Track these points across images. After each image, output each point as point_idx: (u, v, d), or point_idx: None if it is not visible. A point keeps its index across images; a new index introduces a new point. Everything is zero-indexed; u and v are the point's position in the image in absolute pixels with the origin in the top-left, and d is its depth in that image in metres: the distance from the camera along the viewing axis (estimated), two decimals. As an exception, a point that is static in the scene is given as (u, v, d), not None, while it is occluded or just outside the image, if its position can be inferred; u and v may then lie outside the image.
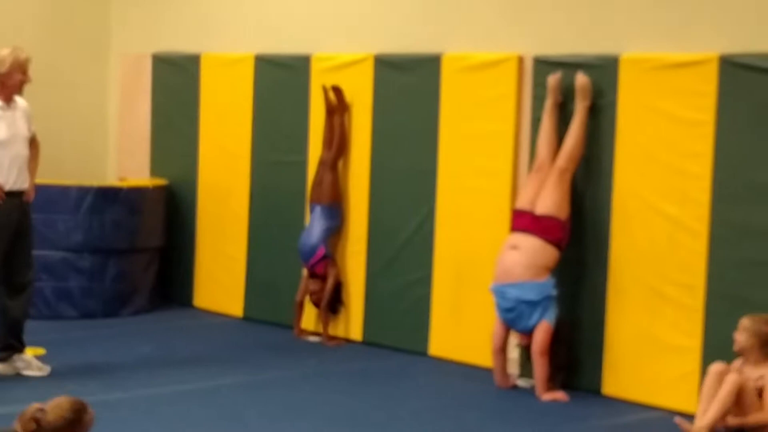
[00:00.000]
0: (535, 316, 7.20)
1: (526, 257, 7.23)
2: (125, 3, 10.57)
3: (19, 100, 7.24)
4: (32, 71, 7.24)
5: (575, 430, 6.60)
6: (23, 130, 7.22)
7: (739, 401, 6.25)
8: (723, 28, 6.84)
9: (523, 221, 7.33)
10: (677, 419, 6.19)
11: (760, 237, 6.66)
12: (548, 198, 7.28)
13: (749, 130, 6.69)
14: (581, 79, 7.25)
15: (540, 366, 7.18)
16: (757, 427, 6.25)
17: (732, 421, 6.23)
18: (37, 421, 4.53)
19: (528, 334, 7.25)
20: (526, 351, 7.43)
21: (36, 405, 4.61)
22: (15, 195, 7.15)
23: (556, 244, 7.27)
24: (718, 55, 6.78)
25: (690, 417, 6.62)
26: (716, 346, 6.74)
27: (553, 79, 7.43)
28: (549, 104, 7.46)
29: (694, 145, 6.88)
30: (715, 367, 6.37)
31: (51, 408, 4.63)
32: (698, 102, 6.86)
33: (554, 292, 7.24)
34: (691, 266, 6.92)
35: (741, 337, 6.38)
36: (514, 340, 7.50)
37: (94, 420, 4.73)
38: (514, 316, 7.26)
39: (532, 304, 7.19)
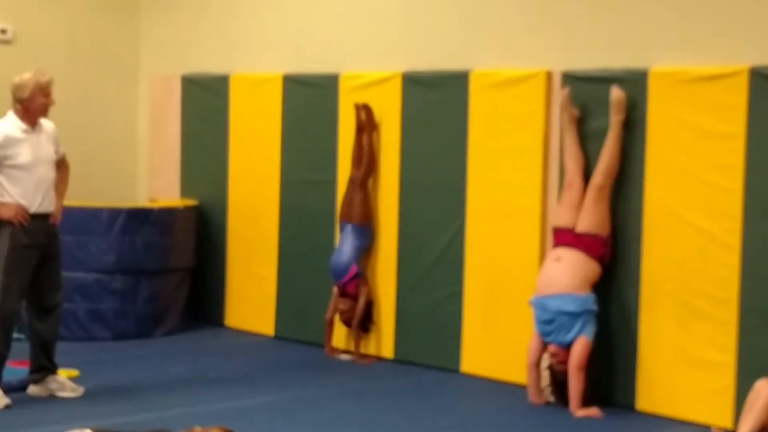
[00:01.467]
0: (574, 329, 7.14)
1: (570, 268, 7.23)
2: (154, 25, 10.61)
3: (45, 123, 7.24)
4: (55, 93, 7.23)
5: (610, 446, 6.55)
6: (49, 153, 7.21)
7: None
8: (753, 39, 6.80)
9: (565, 238, 7.32)
10: (713, 430, 6.07)
11: (793, 250, 6.61)
12: (588, 216, 7.27)
13: (781, 142, 6.65)
14: (616, 93, 7.19)
15: (576, 382, 7.12)
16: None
17: None
18: None
19: (565, 348, 7.18)
20: (553, 375, 7.37)
21: (198, 429, 4.99)
22: (41, 217, 7.14)
23: (599, 259, 7.26)
24: (748, 67, 6.73)
25: (726, 432, 6.59)
26: (751, 361, 6.70)
27: (562, 94, 7.42)
28: (566, 120, 7.44)
29: (726, 158, 6.83)
30: (760, 383, 6.30)
31: None
32: (729, 115, 6.80)
33: (595, 308, 7.19)
34: (725, 280, 6.85)
35: None
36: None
37: None
38: (552, 329, 7.20)
39: (572, 316, 7.14)
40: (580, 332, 7.16)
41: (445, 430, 6.82)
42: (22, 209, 7.03)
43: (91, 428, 5.01)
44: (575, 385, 7.13)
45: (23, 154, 7.05)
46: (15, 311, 7.18)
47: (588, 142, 7.44)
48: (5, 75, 7.48)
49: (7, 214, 7.00)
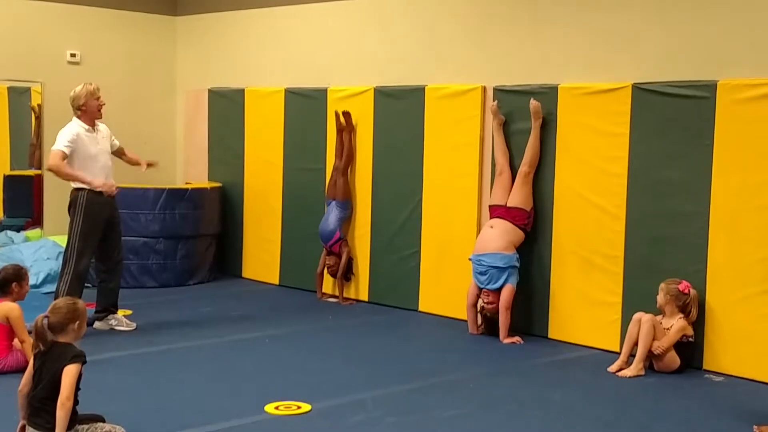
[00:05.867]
0: (502, 279, 7.18)
1: (500, 234, 7.25)
2: (187, 51, 10.55)
3: (101, 126, 7.21)
4: (113, 104, 7.21)
5: (529, 364, 6.59)
6: (107, 147, 7.20)
7: (655, 338, 6.29)
8: (634, 63, 6.85)
9: (498, 212, 7.34)
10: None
11: (663, 219, 6.67)
12: (516, 195, 7.30)
13: (655, 140, 6.69)
14: (533, 103, 7.22)
15: (504, 317, 7.17)
16: (661, 353, 6.28)
17: (654, 345, 6.26)
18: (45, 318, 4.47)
19: (495, 292, 7.23)
20: (483, 316, 7.39)
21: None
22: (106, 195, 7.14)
23: (523, 227, 7.28)
24: (631, 83, 6.77)
25: (614, 353, 6.65)
26: (633, 301, 6.77)
27: (492, 106, 7.45)
28: (495, 124, 7.46)
29: (614, 151, 6.88)
30: (636, 315, 6.39)
31: (51, 312, 4.48)
32: (617, 119, 6.85)
33: (517, 263, 7.23)
34: (614, 242, 6.92)
35: (659, 297, 6.39)
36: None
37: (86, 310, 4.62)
38: (486, 278, 7.24)
39: (501, 270, 7.18)
40: (506, 281, 7.20)
41: (407, 353, 6.86)
42: (110, 184, 7.05)
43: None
44: (503, 320, 7.18)
45: (89, 148, 7.04)
46: (87, 267, 7.17)
47: (514, 139, 7.48)
48: (76, 88, 7.44)
49: (98, 183, 6.98)
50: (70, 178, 7.05)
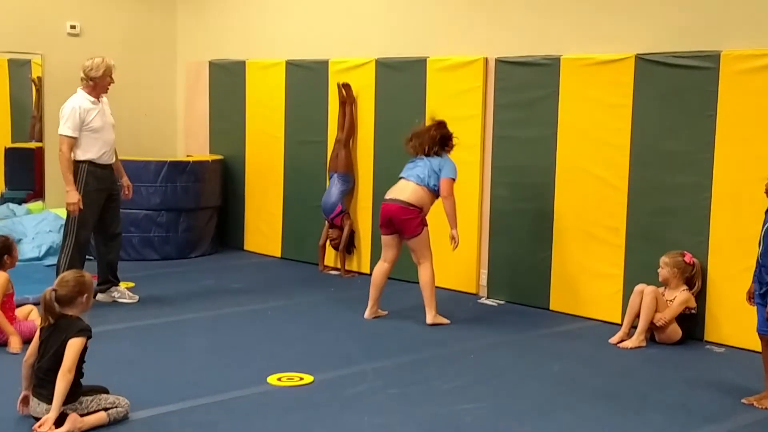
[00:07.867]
0: None
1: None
2: (188, 23, 10.51)
3: (104, 98, 7.19)
4: (116, 75, 7.19)
5: (530, 335, 6.62)
6: (110, 120, 7.19)
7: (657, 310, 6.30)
8: (637, 34, 6.82)
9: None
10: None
11: (665, 191, 6.67)
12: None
13: (657, 111, 6.68)
14: None
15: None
16: (664, 325, 6.30)
17: (657, 317, 6.28)
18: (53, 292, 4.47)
19: None
20: None
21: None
22: (107, 168, 7.13)
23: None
24: (634, 54, 6.75)
25: (616, 325, 6.67)
26: (634, 273, 6.79)
27: None
28: None
29: (617, 123, 6.87)
30: (638, 287, 6.40)
31: (59, 285, 4.50)
32: (619, 90, 6.84)
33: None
34: (615, 214, 6.93)
35: (663, 271, 6.38)
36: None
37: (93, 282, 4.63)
38: None
39: None
40: None
41: (409, 324, 6.86)
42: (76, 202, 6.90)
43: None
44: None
45: (96, 120, 7.02)
46: (87, 239, 7.19)
47: (515, 112, 7.45)
48: (76, 61, 7.44)
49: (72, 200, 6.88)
50: (63, 171, 6.92)
